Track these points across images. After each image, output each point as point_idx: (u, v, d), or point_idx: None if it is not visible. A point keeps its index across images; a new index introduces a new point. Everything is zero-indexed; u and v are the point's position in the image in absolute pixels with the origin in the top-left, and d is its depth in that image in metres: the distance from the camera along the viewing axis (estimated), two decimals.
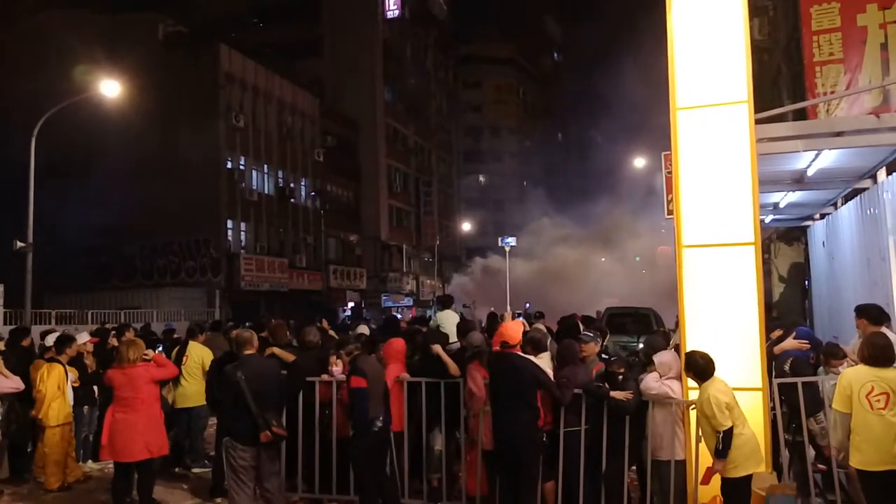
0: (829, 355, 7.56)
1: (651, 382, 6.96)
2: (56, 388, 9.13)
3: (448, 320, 11.69)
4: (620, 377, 7.39)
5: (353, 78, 49.46)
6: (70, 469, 9.43)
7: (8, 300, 21.91)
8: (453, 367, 8.04)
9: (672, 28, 7.19)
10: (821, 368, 7.69)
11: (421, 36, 60.39)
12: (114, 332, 11.94)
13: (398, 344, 8.16)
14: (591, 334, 8.15)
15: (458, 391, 7.91)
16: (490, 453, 7.44)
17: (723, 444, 5.93)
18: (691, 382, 6.59)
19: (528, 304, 25.49)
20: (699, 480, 6.46)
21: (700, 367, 6.23)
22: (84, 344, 10.36)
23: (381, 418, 7.29)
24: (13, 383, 8.77)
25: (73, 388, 9.64)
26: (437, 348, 8.24)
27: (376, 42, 51.90)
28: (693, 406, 6.56)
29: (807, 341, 7.90)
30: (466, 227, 62.33)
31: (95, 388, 10.22)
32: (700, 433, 6.41)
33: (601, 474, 7.21)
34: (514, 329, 7.60)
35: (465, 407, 7.84)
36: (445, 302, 12.92)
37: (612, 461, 7.16)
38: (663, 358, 7.12)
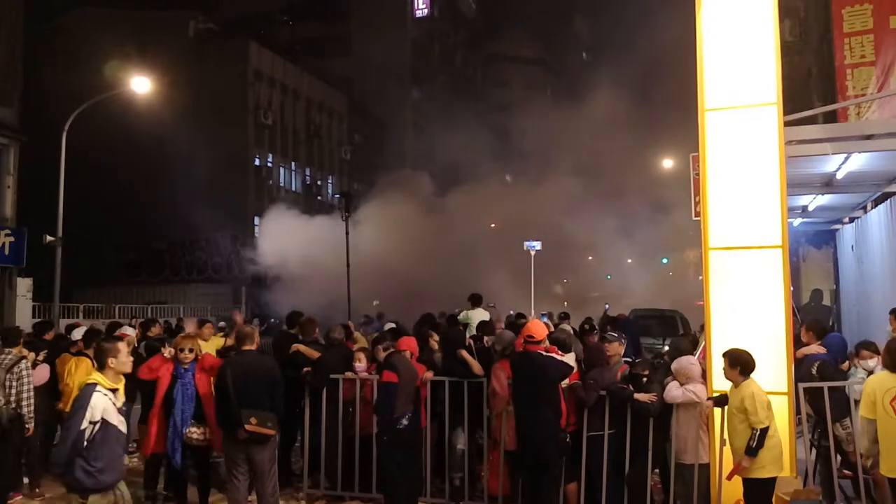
0: (863, 347, 7.51)
1: (674, 391, 6.91)
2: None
3: (477, 319, 11.88)
4: (644, 379, 7.37)
5: (382, 76, 49.54)
6: None
7: (37, 294, 22.21)
8: (476, 366, 8.04)
9: (701, 28, 7.15)
10: (849, 371, 7.61)
11: (449, 34, 60.36)
12: (139, 327, 12.04)
13: (410, 342, 8.10)
14: (616, 334, 8.13)
15: (481, 390, 7.91)
16: (513, 453, 7.44)
17: (757, 441, 5.88)
18: (716, 384, 6.57)
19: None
20: (725, 477, 6.41)
21: (744, 360, 6.14)
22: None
23: (407, 417, 7.27)
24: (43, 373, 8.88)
25: None
26: (464, 353, 8.24)
27: (405, 41, 51.97)
28: (710, 399, 6.55)
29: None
30: (492, 225, 62.16)
31: None
32: (724, 434, 6.36)
33: (624, 476, 7.19)
34: (539, 325, 7.61)
35: (487, 406, 7.84)
36: (475, 300, 13.02)
37: (636, 463, 7.14)
38: (680, 364, 7.06)
